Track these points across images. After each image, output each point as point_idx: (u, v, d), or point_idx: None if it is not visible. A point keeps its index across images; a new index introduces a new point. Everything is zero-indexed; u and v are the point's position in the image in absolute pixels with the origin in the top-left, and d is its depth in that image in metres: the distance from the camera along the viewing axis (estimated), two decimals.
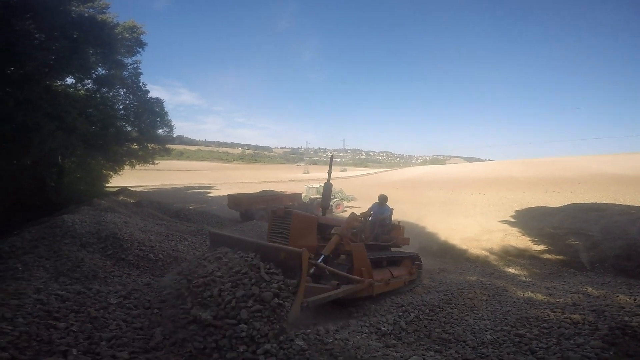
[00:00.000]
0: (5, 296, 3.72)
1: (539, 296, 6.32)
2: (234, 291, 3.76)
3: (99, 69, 18.08)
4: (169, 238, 9.32)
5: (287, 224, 5.53)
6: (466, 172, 51.86)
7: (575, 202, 18.96)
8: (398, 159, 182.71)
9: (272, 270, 4.10)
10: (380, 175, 56.75)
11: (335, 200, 21.06)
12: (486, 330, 4.55)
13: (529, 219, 15.53)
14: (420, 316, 5.08)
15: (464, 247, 11.91)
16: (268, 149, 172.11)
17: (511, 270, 9.80)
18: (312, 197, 20.39)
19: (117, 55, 17.93)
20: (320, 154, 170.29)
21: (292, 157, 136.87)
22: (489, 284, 7.24)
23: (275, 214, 5.82)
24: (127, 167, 23.37)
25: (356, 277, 5.20)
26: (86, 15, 15.07)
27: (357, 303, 5.55)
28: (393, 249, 7.62)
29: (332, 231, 5.71)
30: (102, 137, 18.38)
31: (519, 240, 12.03)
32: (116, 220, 9.29)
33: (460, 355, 3.91)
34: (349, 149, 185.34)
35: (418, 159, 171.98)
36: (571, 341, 3.87)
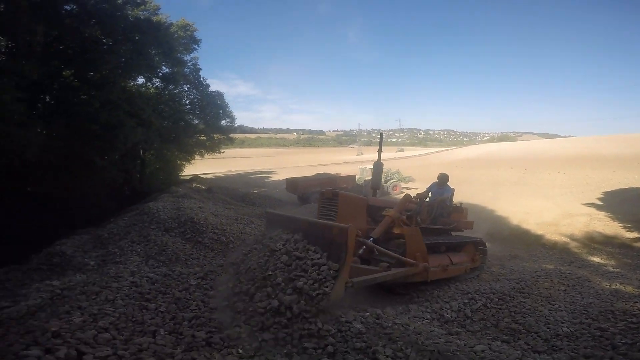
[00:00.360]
0: (108, 279, 4.30)
1: (629, 288, 5.67)
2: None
3: (163, 67, 19.47)
4: (238, 221, 10.02)
5: (334, 206, 5.44)
6: (542, 150, 46.62)
7: None
8: (461, 136, 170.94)
9: (315, 257, 3.99)
10: (441, 155, 53.87)
11: (392, 181, 20.60)
12: (562, 322, 4.21)
13: (620, 202, 13.60)
14: (488, 304, 4.84)
15: (539, 232, 10.93)
16: (321, 132, 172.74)
17: (596, 259, 8.79)
18: (367, 178, 20.11)
19: (177, 53, 19.14)
20: (374, 135, 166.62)
21: (345, 139, 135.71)
22: (569, 273, 6.62)
23: (324, 196, 5.76)
24: (197, 157, 25.46)
25: (410, 260, 4.94)
26: (142, 18, 16.12)
27: (418, 288, 5.42)
28: (454, 233, 7.13)
29: (384, 213, 5.47)
30: (174, 131, 20.24)
31: (607, 225, 10.67)
32: (192, 206, 10.23)
33: (530, 347, 3.70)
34: (406, 129, 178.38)
35: (484, 136, 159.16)
36: None
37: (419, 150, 74.25)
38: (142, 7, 17.10)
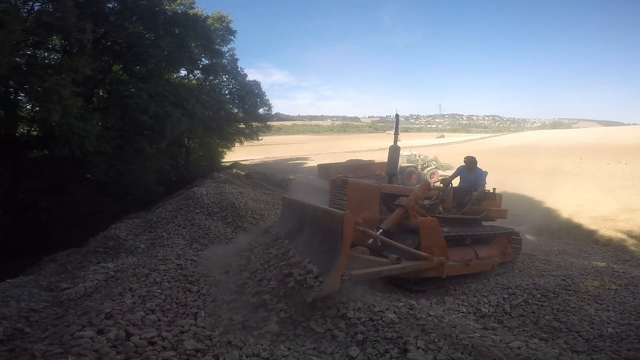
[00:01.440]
0: (156, 262, 4.55)
1: None
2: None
3: (203, 59, 20.25)
4: (275, 207, 10.27)
5: (344, 194, 5.17)
6: (601, 138, 42.47)
7: None
8: (508, 122, 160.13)
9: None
10: (485, 141, 51.13)
11: (429, 169, 19.95)
12: (608, 323, 3.93)
13: None
14: (529, 300, 4.60)
15: (593, 227, 10.10)
16: (356, 119, 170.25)
17: None
18: (402, 165, 19.59)
19: (214, 45, 19.76)
20: (412, 121, 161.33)
21: (381, 125, 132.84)
22: (622, 272, 6.08)
23: (335, 183, 5.51)
24: (237, 144, 26.40)
25: (422, 253, 4.46)
26: (179, 12, 16.73)
27: (435, 285, 5.01)
28: (485, 223, 6.44)
29: (397, 202, 5.03)
30: (215, 120, 21.14)
31: None
32: (233, 191, 10.66)
33: (569, 346, 3.52)
34: (447, 114, 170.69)
35: (534, 122, 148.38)
36: None
37: (461, 137, 70.96)
38: (179, 1, 17.80)
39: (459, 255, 5.15)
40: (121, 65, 14.89)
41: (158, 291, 3.74)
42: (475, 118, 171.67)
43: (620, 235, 9.37)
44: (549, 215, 11.73)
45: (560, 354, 3.18)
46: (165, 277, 4.11)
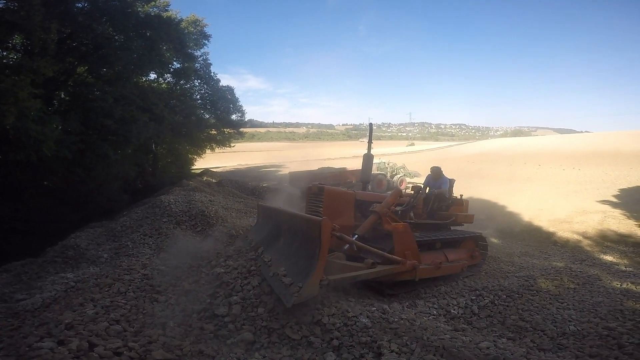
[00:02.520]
0: (120, 272, 4.39)
1: None
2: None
3: (175, 63, 19.76)
4: (247, 215, 10.13)
5: (320, 201, 5.29)
6: (557, 145, 45.43)
7: None
8: (473, 131, 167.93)
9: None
10: (452, 149, 53.08)
11: (398, 176, 20.44)
12: (570, 321, 4.18)
13: (637, 200, 13.18)
14: (496, 301, 4.81)
15: (551, 229, 10.70)
16: (330, 126, 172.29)
17: (608, 257, 8.58)
18: (373, 172, 19.93)
19: (187, 48, 19.43)
20: (384, 129, 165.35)
21: (355, 133, 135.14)
22: (580, 272, 6.49)
23: (310, 190, 5.66)
24: (208, 151, 25.84)
25: (396, 257, 4.62)
26: (152, 14, 16.38)
27: (408, 288, 5.14)
28: (453, 228, 6.81)
29: (370, 208, 5.21)
30: (185, 125, 20.61)
31: (622, 224, 10.33)
32: (203, 199, 10.37)
33: (535, 345, 3.69)
34: (417, 123, 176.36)
35: (497, 130, 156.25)
36: None
37: (430, 145, 73.36)
38: (152, 3, 17.34)
39: (431, 258, 5.35)
40: (86, 67, 14.22)
41: (122, 301, 3.62)
42: (443, 127, 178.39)
43: (576, 237, 9.99)
44: (512, 219, 12.30)
45: (528, 352, 3.32)
46: (130, 287, 3.99)
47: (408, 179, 21.28)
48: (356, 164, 22.17)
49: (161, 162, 22.62)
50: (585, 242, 9.72)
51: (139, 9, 15.62)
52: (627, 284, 5.83)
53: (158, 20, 15.60)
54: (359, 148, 61.03)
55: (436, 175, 6.89)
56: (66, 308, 3.46)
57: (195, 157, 26.02)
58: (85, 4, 13.01)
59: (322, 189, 5.38)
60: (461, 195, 7.19)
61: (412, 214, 5.96)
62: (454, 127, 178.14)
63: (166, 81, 21.01)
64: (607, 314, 4.28)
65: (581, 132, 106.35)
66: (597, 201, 13.54)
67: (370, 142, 7.04)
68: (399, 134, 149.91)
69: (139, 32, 14.72)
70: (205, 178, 19.91)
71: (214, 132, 24.35)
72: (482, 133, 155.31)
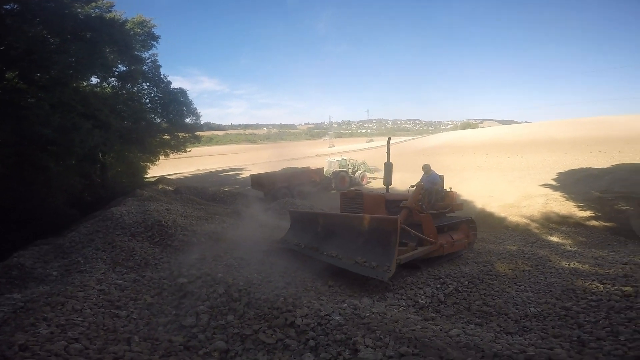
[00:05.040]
0: (73, 289, 4.09)
1: (586, 267, 6.01)
2: None
3: (119, 66, 18.67)
4: (209, 221, 9.78)
5: (357, 203, 6.49)
6: (501, 135, 49.06)
7: (624, 162, 17.44)
8: (427, 125, 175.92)
9: None
10: (408, 144, 55.20)
11: (359, 172, 20.87)
12: (529, 303, 4.44)
13: (573, 182, 14.53)
14: (459, 288, 5.00)
15: (502, 214, 11.45)
16: (292, 126, 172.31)
17: (554, 238, 9.35)
18: (335, 170, 20.16)
19: (133, 50, 18.43)
20: (344, 126, 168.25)
21: (317, 132, 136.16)
22: (531, 254, 6.99)
23: (346, 196, 6.85)
24: (162, 157, 24.54)
25: (431, 239, 5.89)
26: (93, 15, 15.39)
27: (430, 263, 6.01)
28: (448, 215, 7.89)
29: (401, 204, 6.25)
30: (135, 131, 19.37)
31: (562, 205, 11.32)
32: (159, 209, 9.84)
33: (502, 329, 3.86)
34: (374, 119, 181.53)
35: (448, 124, 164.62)
36: (622, 315, 3.68)
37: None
38: (94, 4, 16.23)
39: (444, 239, 6.45)
40: (17, 73, 12.87)
41: (79, 319, 3.42)
42: (399, 122, 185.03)
43: (525, 220, 10.79)
44: (466, 207, 12.94)
45: (496, 337, 3.46)
46: (86, 304, 3.77)
47: (369, 175, 21.78)
48: (320, 163, 22.33)
49: (111, 171, 21.07)
50: (533, 225, 10.51)
51: (79, 10, 14.56)
52: (574, 263, 6.26)
53: (100, 22, 14.62)
54: (321, 147, 61.51)
55: (427, 171, 7.92)
56: (17, 329, 3.23)
57: (149, 164, 24.47)
58: (15, 5, 11.84)
59: (360, 194, 6.62)
60: (450, 188, 8.34)
61: (423, 206, 6.83)
62: (409, 122, 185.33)
63: (111, 85, 19.65)
64: (561, 294, 4.58)
65: (522, 122, 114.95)
66: (540, 185, 14.76)
67: (388, 152, 7.95)
68: (359, 130, 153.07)
69: (77, 35, 13.66)
70: (160, 186, 18.96)
71: (167, 137, 23.14)
72: (434, 127, 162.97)
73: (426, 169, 7.94)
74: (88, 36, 14.00)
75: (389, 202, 6.71)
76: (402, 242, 5.60)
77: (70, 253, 6.77)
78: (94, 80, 18.46)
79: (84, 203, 15.68)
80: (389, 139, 8.44)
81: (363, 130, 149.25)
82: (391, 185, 7.92)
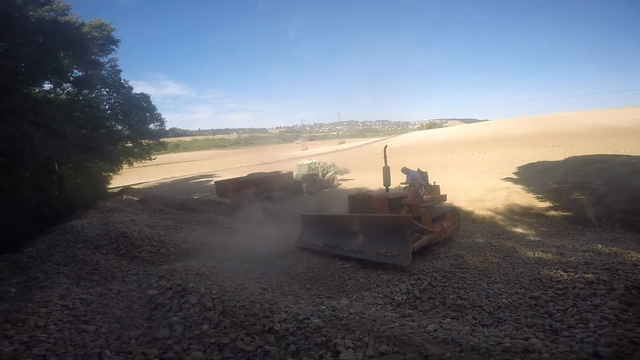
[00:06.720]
0: (34, 305, 3.84)
1: (549, 256, 6.25)
2: None
3: (75, 71, 17.76)
4: (178, 230, 9.46)
5: (366, 205, 7.15)
6: (464, 133, 51.48)
7: (576, 155, 18.58)
8: (395, 126, 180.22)
9: None
10: (378, 144, 56.20)
11: (329, 174, 21.00)
12: (501, 294, 4.56)
13: (532, 175, 15.35)
14: (433, 283, 5.07)
15: (469, 208, 11.86)
16: (263, 130, 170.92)
17: (518, 230, 9.76)
18: (304, 174, 20.15)
19: (91, 55, 17.66)
20: (316, 129, 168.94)
21: (289, 135, 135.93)
22: (498, 246, 7.24)
23: (355, 199, 7.49)
24: (125, 166, 23.38)
25: (430, 229, 6.75)
26: (47, 19, 14.57)
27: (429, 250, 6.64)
28: (436, 206, 8.78)
29: (403, 202, 7.24)
30: (94, 139, 18.35)
31: (523, 197, 11.88)
32: (123, 220, 9.37)
33: (477, 321, 3.95)
34: (345, 122, 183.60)
35: (415, 124, 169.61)
36: (588, 302, 3.84)
37: (358, 142, 76.82)
38: (48, 7, 15.29)
39: (437, 228, 7.19)
40: None
41: (44, 335, 3.23)
42: (368, 124, 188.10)
43: (490, 213, 11.25)
44: None
45: (472, 330, 3.54)
46: (49, 320, 3.56)
47: (339, 176, 21.96)
48: (290, 167, 22.19)
49: (69, 183, 19.73)
50: (498, 217, 10.99)
51: (31, 12, 13.67)
52: (539, 253, 6.52)
53: (54, 25, 13.86)
54: (294, 150, 61.31)
55: (406, 172, 9.14)
56: None
57: (111, 174, 23.20)
58: None
59: (368, 197, 7.28)
60: (434, 182, 9.47)
61: (417, 201, 7.74)
62: (378, 123, 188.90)
63: (66, 91, 18.50)
64: (529, 284, 4.76)
65: (482, 120, 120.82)
66: (502, 179, 15.50)
67: (385, 158, 8.59)
68: (330, 133, 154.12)
69: (27, 39, 12.84)
70: (125, 197, 18.02)
71: (130, 144, 22.09)
72: (402, 127, 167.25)
73: (405, 171, 9.14)
74: (40, 40, 13.21)
75: (391, 200, 7.46)
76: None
77: (28, 269, 6.28)
78: (47, 86, 17.36)
79: (40, 217, 14.59)
80: (385, 146, 9.01)
81: (335, 133, 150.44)
82: (390, 186, 8.49)
